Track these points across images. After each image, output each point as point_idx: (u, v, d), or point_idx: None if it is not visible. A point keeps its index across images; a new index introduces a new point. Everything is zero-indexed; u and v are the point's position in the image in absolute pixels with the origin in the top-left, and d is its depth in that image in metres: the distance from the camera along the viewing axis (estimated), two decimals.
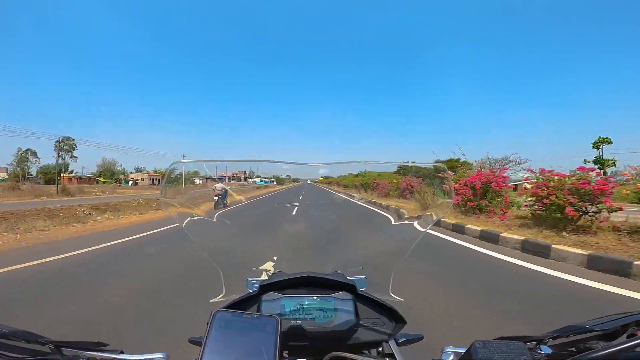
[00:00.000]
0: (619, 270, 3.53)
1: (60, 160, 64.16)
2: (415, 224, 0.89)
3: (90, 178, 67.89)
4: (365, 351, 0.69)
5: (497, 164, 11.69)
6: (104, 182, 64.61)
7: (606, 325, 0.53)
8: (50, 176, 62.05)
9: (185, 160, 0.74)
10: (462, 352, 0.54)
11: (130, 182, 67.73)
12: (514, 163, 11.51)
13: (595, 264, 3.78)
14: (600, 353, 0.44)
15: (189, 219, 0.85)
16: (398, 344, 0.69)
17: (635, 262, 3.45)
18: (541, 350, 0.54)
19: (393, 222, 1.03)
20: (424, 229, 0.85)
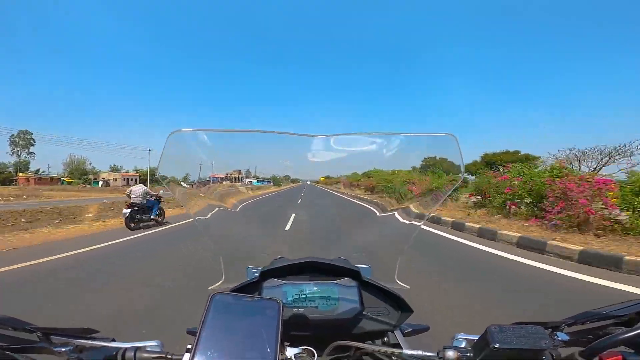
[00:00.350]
0: None
1: (16, 158, 58.32)
2: (413, 207, 0.89)
3: (53, 178, 62.65)
4: (370, 341, 0.67)
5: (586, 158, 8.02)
6: (69, 183, 59.78)
7: (622, 312, 0.52)
8: (5, 176, 56.81)
9: (185, 129, 0.69)
10: (474, 339, 0.52)
11: (101, 183, 63.07)
12: (620, 156, 8.24)
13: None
14: (619, 338, 0.43)
15: (207, 207, 0.83)
16: (404, 334, 0.68)
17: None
18: (558, 337, 0.53)
19: (394, 209, 1.00)
20: (427, 212, 0.85)
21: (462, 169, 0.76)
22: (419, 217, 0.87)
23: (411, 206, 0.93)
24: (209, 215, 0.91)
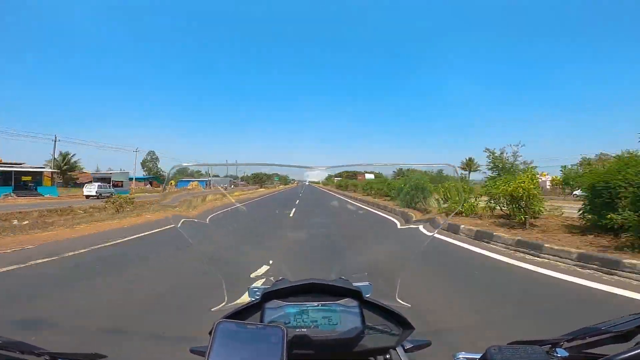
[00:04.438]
0: None
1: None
2: (421, 227, 0.89)
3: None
4: (372, 358, 0.68)
5: None
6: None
7: (621, 327, 0.52)
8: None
9: (186, 164, 0.73)
10: (475, 358, 0.54)
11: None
12: None
13: None
14: (625, 355, 0.43)
15: (183, 220, 0.83)
16: (405, 351, 0.68)
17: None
18: (557, 354, 0.53)
19: (399, 227, 1.03)
20: (432, 233, 0.85)
21: (462, 196, 0.77)
22: (419, 241, 0.89)
23: (412, 229, 0.94)
24: (205, 240, 0.93)
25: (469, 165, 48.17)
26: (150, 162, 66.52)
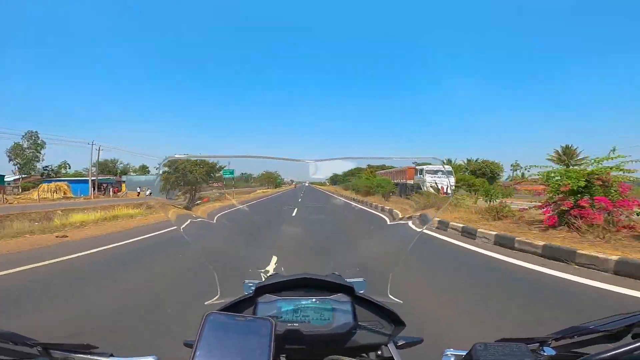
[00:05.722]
0: None
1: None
2: (410, 223, 0.90)
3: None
4: (364, 354, 0.69)
5: None
6: None
7: (610, 326, 0.52)
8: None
9: (178, 155, 0.72)
10: (462, 355, 0.54)
11: None
12: None
13: None
14: (606, 355, 0.43)
15: (189, 221, 0.83)
16: (397, 347, 0.69)
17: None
18: (544, 352, 0.53)
19: (389, 223, 1.04)
20: (420, 229, 0.86)
21: (451, 191, 0.80)
22: (409, 237, 0.90)
23: (400, 224, 0.96)
24: (199, 232, 0.93)
25: (568, 154, 35.25)
26: (27, 150, 40.07)
